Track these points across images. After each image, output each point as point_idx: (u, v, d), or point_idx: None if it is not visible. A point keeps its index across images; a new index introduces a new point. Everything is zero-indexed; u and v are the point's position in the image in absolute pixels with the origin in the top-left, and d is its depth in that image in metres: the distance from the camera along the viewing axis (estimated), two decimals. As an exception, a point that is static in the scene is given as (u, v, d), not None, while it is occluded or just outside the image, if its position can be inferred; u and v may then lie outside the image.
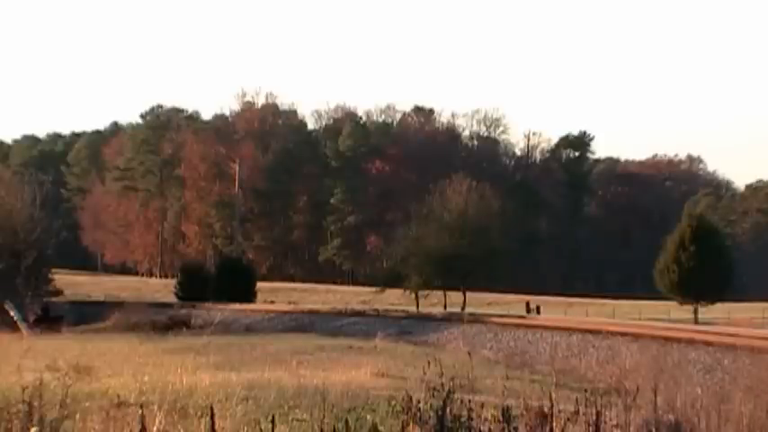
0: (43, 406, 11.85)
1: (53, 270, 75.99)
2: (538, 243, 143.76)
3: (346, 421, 11.59)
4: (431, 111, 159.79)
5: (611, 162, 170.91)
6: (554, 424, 11.14)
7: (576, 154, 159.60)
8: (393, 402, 15.51)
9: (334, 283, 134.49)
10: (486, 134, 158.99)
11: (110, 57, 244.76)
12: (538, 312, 74.46)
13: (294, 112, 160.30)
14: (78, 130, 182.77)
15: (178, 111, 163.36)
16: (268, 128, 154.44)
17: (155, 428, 11.59)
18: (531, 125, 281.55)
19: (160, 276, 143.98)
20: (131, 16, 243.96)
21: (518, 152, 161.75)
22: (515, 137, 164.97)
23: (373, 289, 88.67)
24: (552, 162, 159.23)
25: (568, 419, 11.21)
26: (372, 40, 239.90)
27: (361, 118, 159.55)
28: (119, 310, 60.86)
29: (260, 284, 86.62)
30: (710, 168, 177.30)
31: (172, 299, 77.84)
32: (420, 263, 76.06)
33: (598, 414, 11.30)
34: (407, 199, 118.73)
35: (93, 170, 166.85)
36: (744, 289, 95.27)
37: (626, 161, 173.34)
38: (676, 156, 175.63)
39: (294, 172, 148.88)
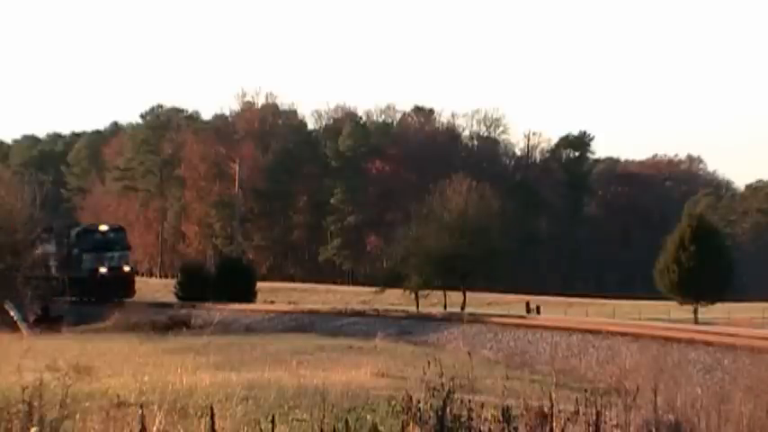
0: (43, 406, 11.85)
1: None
2: (538, 243, 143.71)
3: (346, 421, 11.59)
4: (431, 111, 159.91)
5: (611, 162, 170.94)
6: (554, 424, 11.14)
7: (576, 154, 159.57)
8: (393, 402, 15.51)
9: (335, 283, 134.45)
10: (486, 134, 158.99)
11: (110, 57, 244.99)
12: (538, 312, 74.39)
13: (294, 112, 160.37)
14: (78, 130, 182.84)
15: (178, 111, 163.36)
16: (268, 128, 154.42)
17: (155, 428, 11.59)
18: (531, 125, 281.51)
19: (160, 276, 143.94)
20: (131, 16, 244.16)
21: (518, 152, 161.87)
22: (515, 137, 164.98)
23: (373, 289, 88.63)
24: (552, 162, 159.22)
25: (568, 419, 11.21)
26: (372, 40, 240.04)
27: (361, 118, 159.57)
28: (119, 310, 60.78)
29: (260, 284, 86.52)
30: (710, 168, 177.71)
31: (172, 299, 77.75)
32: (420, 263, 75.99)
33: (598, 414, 11.30)
34: (407, 199, 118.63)
35: (93, 170, 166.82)
36: (744, 289, 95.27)
37: (626, 161, 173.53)
38: (676, 156, 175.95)
39: (294, 172, 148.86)
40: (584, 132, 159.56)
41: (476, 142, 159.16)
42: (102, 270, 66.37)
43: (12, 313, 54.41)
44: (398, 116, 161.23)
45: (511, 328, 42.27)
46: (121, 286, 66.84)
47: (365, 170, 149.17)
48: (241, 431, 13.39)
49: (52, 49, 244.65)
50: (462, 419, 10.94)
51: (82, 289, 66.46)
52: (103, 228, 71.18)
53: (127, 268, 69.45)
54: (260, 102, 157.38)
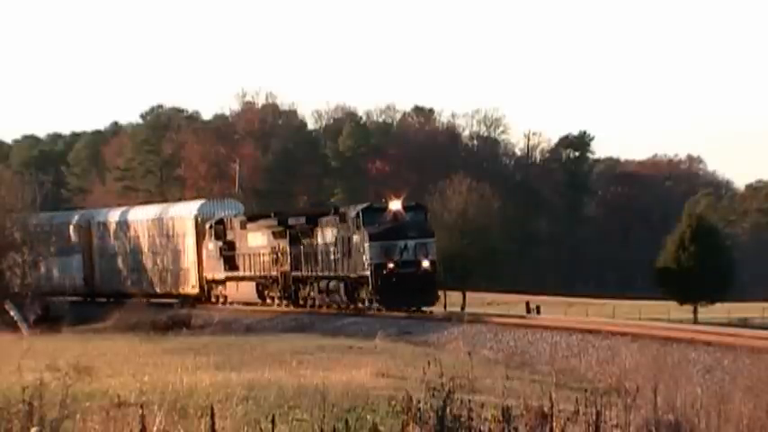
0: (43, 406, 11.86)
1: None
2: (538, 243, 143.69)
3: (346, 421, 11.59)
4: (431, 111, 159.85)
5: (611, 162, 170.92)
6: (554, 424, 11.15)
7: (576, 154, 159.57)
8: (393, 402, 15.50)
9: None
10: (486, 134, 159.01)
11: (110, 57, 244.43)
12: (538, 312, 74.32)
13: (294, 112, 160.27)
14: (78, 130, 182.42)
15: (178, 111, 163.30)
16: (268, 128, 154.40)
17: (155, 428, 11.59)
18: (531, 125, 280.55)
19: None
20: (131, 16, 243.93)
21: (518, 152, 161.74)
22: (515, 137, 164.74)
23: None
24: (552, 162, 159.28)
25: (568, 419, 11.22)
26: (372, 40, 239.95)
27: (361, 118, 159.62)
28: (119, 310, 60.78)
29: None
30: (710, 168, 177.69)
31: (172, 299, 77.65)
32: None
33: (598, 414, 11.31)
34: (407, 199, 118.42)
35: (93, 170, 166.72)
36: (744, 289, 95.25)
37: (626, 161, 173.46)
38: (676, 156, 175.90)
39: (294, 172, 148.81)
40: (584, 132, 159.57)
41: (476, 142, 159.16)
42: (390, 265, 47.60)
43: (12, 313, 54.46)
44: (398, 116, 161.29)
45: (511, 328, 42.23)
46: (417, 287, 47.96)
47: (365, 170, 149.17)
48: (241, 431, 13.39)
49: (52, 49, 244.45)
50: (462, 419, 10.95)
51: (364, 290, 49.05)
52: (395, 205, 50.71)
53: (426, 263, 48.60)
54: (260, 102, 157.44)
